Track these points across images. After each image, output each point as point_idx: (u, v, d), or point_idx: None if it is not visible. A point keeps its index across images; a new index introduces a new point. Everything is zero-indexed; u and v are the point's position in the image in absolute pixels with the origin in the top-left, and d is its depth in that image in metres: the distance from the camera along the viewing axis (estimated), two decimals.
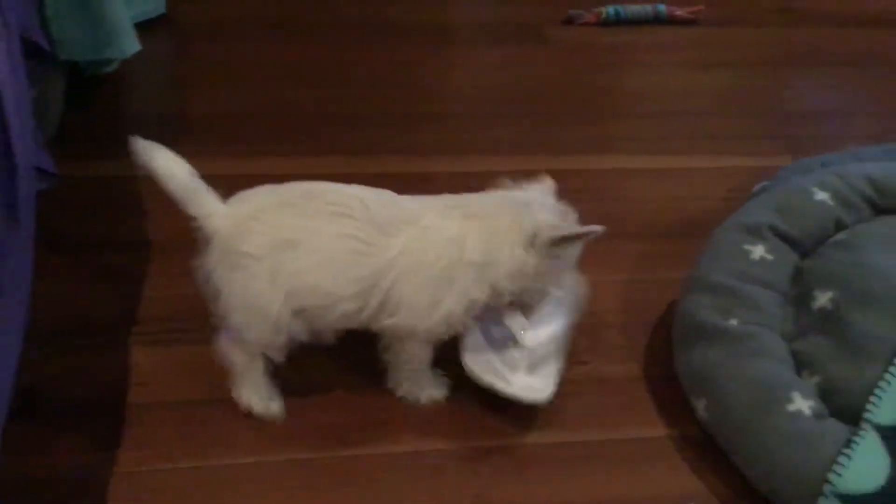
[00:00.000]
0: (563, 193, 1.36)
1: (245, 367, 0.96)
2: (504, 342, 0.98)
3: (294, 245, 0.88)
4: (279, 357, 0.94)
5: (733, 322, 1.02)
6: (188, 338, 1.06)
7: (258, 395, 0.97)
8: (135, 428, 0.96)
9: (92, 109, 1.44)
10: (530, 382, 0.97)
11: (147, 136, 1.40)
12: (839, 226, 1.14)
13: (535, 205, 0.95)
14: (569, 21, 1.87)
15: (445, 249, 0.90)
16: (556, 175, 1.39)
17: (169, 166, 0.90)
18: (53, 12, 1.10)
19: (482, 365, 0.97)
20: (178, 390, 1.01)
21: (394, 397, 1.01)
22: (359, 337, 0.96)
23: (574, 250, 0.96)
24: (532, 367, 0.98)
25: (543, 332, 0.99)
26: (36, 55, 1.02)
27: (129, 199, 1.28)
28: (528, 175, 1.38)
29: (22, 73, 0.83)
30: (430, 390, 1.01)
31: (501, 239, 0.91)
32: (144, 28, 1.59)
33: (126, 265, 1.17)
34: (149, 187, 1.28)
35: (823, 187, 1.17)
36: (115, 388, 1.00)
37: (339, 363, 1.04)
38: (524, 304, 0.98)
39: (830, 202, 1.15)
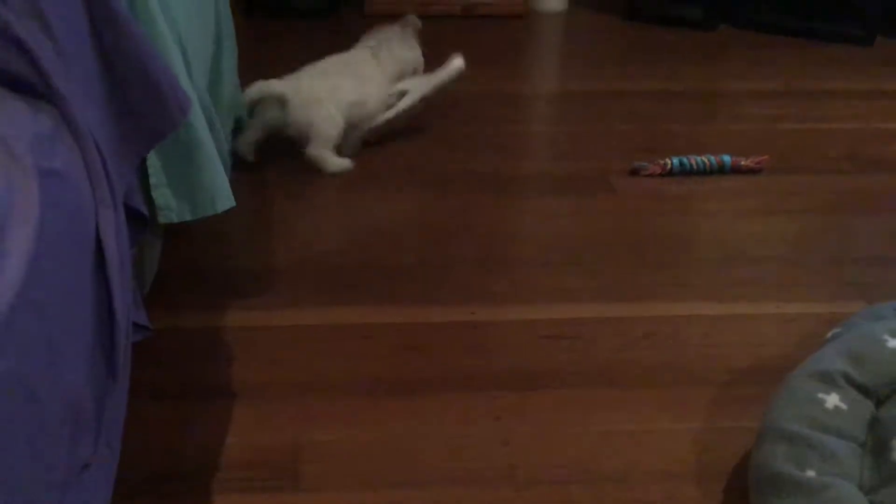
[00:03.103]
0: (633, 339, 1.39)
1: (328, 152, 1.87)
2: None
3: (339, 88, 1.89)
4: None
5: (810, 473, 1.01)
6: (269, 485, 1.10)
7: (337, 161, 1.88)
8: None
9: (181, 262, 1.54)
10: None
11: (233, 288, 1.50)
12: None
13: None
14: (634, 172, 1.93)
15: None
16: (627, 322, 1.43)
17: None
18: (156, 181, 1.20)
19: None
20: None
21: None
22: None
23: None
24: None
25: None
26: (137, 219, 1.12)
27: (211, 349, 1.35)
28: (599, 322, 1.42)
29: (125, 239, 0.92)
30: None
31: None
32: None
33: (208, 413, 1.22)
34: (232, 336, 1.37)
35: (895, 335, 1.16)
36: None
37: None
38: None
39: None
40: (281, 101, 1.84)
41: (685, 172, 1.93)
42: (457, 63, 2.02)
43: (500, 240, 1.69)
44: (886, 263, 1.62)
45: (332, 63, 1.96)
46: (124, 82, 1.01)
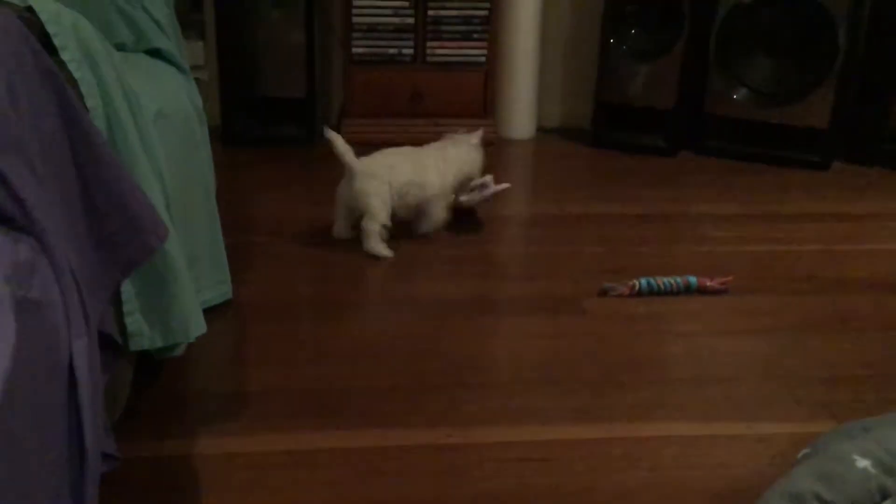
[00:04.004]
0: (607, 461, 1.39)
1: (375, 233, 2.14)
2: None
3: (394, 167, 2.19)
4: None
5: None
6: None
7: (381, 246, 2.14)
8: None
9: (153, 389, 1.53)
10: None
11: (205, 413, 1.49)
12: (884, 494, 1.14)
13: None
14: (603, 293, 1.97)
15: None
16: (600, 443, 1.43)
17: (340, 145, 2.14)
18: (129, 308, 1.21)
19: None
20: None
21: None
22: None
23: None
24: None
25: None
26: (109, 346, 1.12)
27: (182, 478, 1.33)
28: (572, 445, 1.42)
29: (97, 367, 0.92)
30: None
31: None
32: (211, 310, 1.73)
33: None
34: (203, 464, 1.35)
35: (864, 454, 1.18)
36: None
37: None
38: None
39: (872, 469, 1.15)
40: (350, 173, 2.15)
41: (653, 293, 1.97)
42: (505, 184, 2.39)
43: (472, 362, 1.70)
44: (854, 382, 1.65)
45: (399, 150, 2.26)
46: (103, 211, 1.04)
